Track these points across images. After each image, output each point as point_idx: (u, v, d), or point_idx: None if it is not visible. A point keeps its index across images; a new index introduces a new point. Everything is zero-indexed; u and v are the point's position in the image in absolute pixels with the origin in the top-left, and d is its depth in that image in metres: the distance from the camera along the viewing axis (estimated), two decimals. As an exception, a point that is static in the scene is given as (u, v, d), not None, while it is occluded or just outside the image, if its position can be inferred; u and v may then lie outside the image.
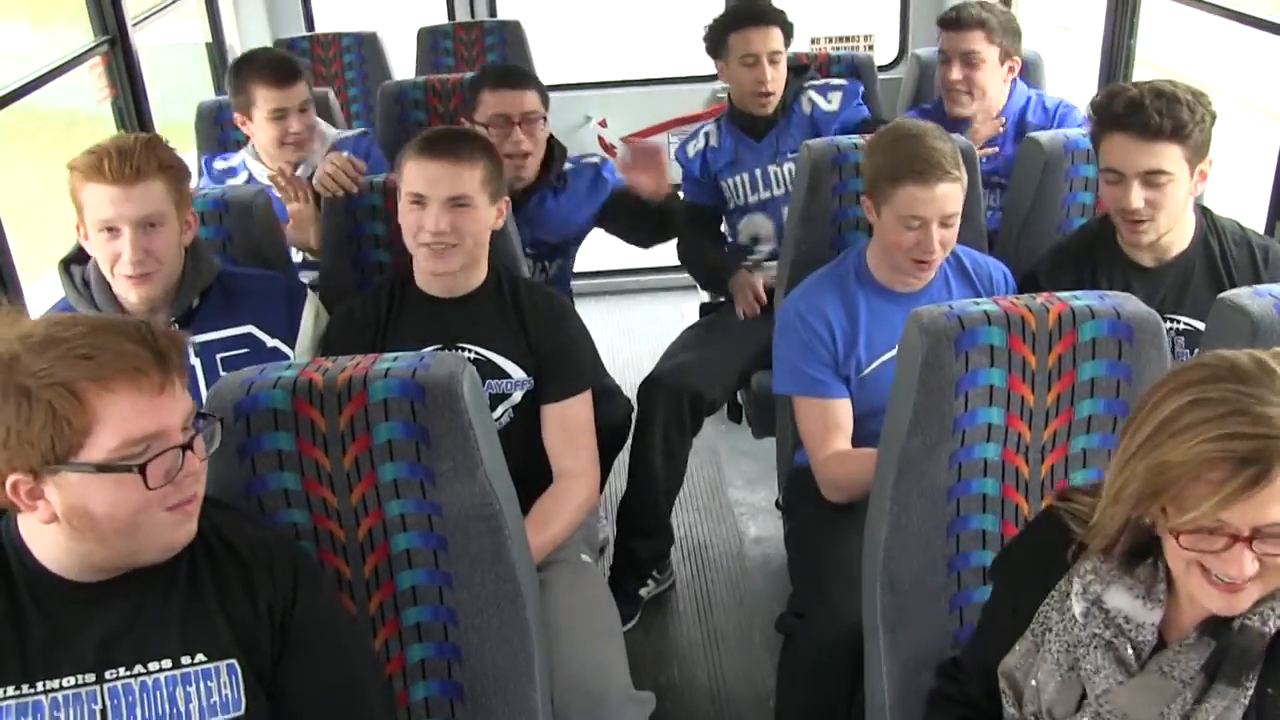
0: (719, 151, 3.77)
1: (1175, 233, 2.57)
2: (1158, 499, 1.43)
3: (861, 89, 3.77)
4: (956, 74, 3.62)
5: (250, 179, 3.53)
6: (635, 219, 3.40)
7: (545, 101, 3.39)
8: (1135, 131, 2.45)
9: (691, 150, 3.82)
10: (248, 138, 3.57)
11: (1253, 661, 1.49)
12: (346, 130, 3.76)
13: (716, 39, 3.70)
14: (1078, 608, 1.60)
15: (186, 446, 1.58)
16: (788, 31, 3.68)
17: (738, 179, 3.74)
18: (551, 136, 3.46)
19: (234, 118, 3.55)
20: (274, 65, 3.50)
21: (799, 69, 3.83)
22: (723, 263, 3.82)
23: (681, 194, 3.78)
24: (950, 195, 2.53)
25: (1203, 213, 2.65)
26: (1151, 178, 2.46)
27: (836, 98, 3.70)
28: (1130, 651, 1.56)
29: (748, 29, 3.63)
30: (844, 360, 2.67)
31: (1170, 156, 2.45)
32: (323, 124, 3.65)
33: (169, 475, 1.56)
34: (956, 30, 3.62)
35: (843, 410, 2.66)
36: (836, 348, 2.66)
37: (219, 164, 3.62)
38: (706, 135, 3.80)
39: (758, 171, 3.70)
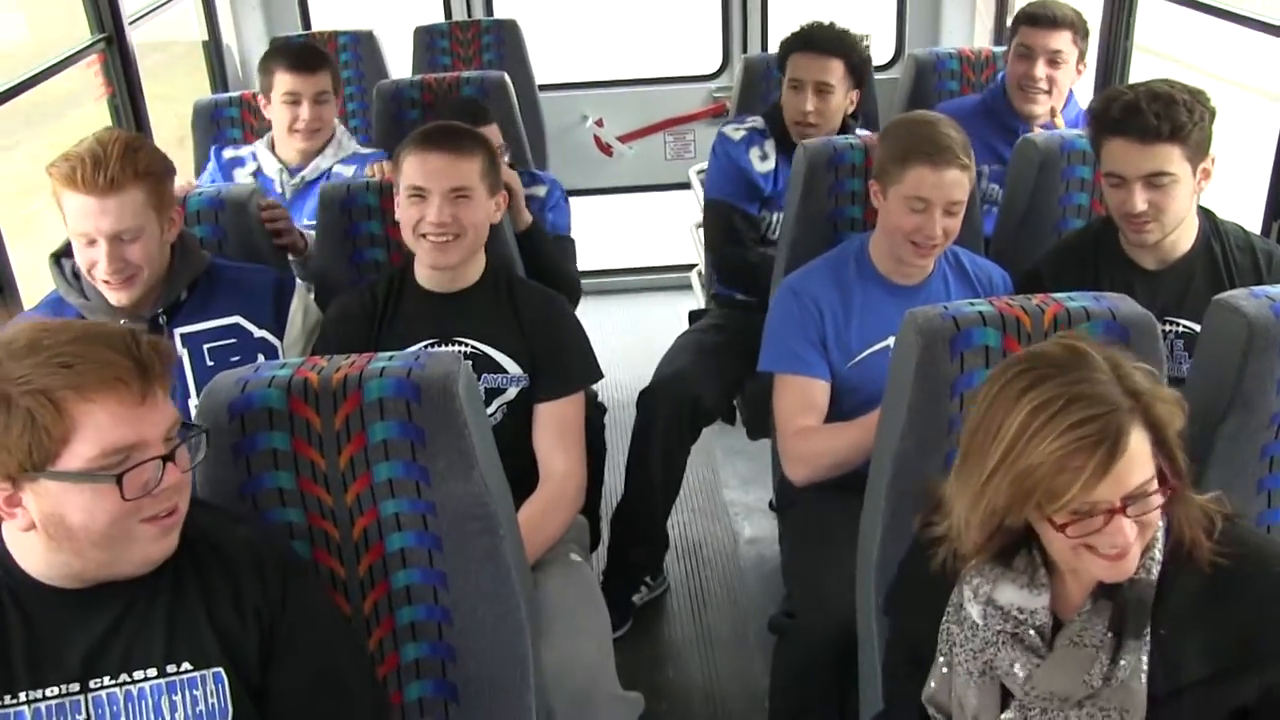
0: (775, 178, 3.57)
1: (1178, 235, 2.56)
2: (1028, 502, 1.52)
3: None
4: (1040, 72, 3.56)
5: (259, 171, 3.55)
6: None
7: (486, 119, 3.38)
8: (1134, 135, 2.44)
9: (759, 164, 3.59)
10: (268, 126, 3.61)
11: (1147, 608, 1.58)
12: (366, 150, 3.70)
13: (782, 56, 3.58)
14: (974, 612, 1.67)
15: (167, 458, 1.56)
16: (854, 66, 3.50)
17: (777, 216, 3.57)
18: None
19: (259, 101, 3.60)
20: (298, 50, 3.58)
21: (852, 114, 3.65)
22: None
23: (708, 191, 3.69)
24: (958, 183, 2.54)
25: (1205, 215, 2.64)
26: (1154, 180, 2.45)
27: None
28: (1034, 636, 1.64)
29: (804, 53, 3.49)
30: (834, 345, 2.67)
31: (1171, 158, 2.44)
32: (345, 134, 3.65)
33: (147, 487, 1.54)
34: (1050, 29, 3.55)
35: (819, 391, 2.67)
36: (825, 328, 2.67)
37: (228, 153, 3.65)
38: (771, 153, 3.58)
39: None
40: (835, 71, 3.47)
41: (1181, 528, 1.60)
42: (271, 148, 3.58)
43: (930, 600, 1.74)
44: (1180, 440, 1.57)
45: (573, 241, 3.64)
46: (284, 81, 3.47)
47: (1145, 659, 1.58)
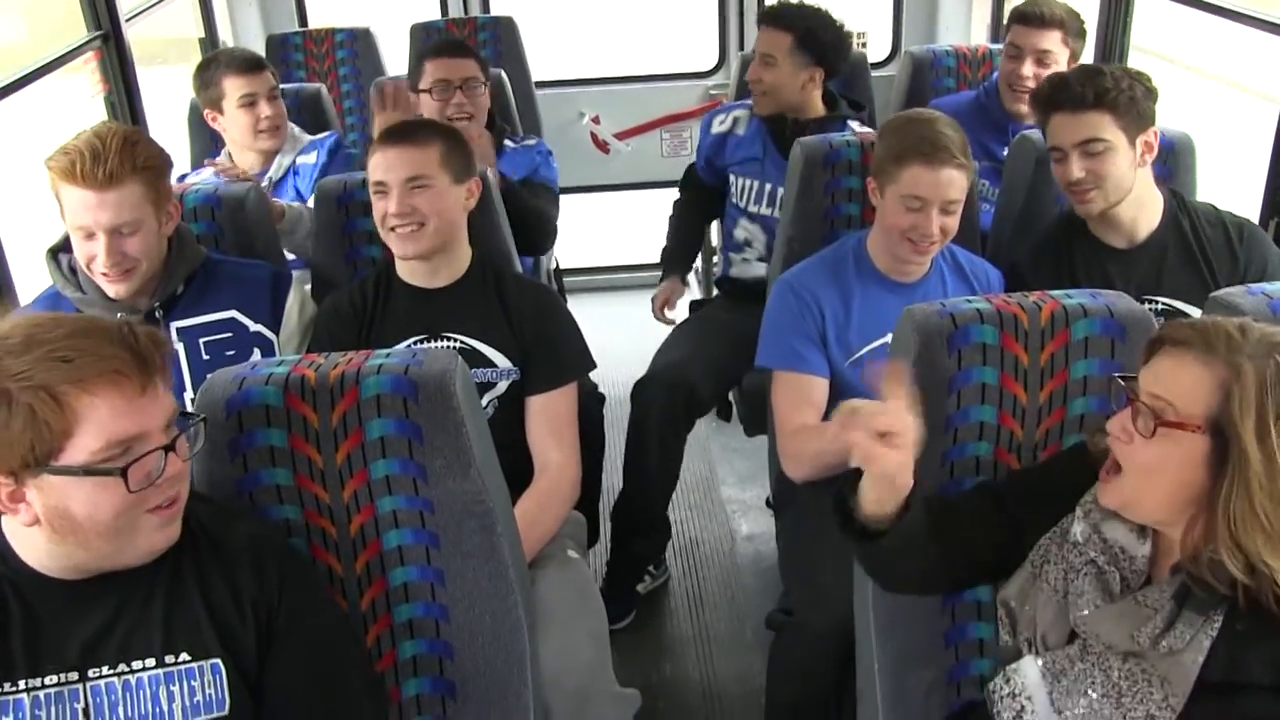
0: (740, 142, 3.69)
1: (1143, 212, 2.64)
2: None
3: None
4: (1028, 71, 3.58)
5: None
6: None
7: (485, 73, 3.52)
8: (1066, 107, 2.58)
9: (716, 126, 3.75)
10: (218, 146, 3.63)
11: (1218, 596, 1.58)
12: (320, 135, 3.73)
13: None
14: (1079, 529, 1.71)
15: (169, 448, 1.58)
16: (803, 41, 3.53)
17: (747, 182, 3.68)
18: (493, 113, 3.57)
19: (205, 116, 3.59)
20: (240, 55, 3.61)
21: (856, 104, 3.76)
22: (677, 252, 3.94)
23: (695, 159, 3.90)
24: (954, 181, 2.55)
25: (1171, 194, 2.70)
26: (1087, 147, 2.56)
27: None
28: (1118, 581, 1.67)
29: (760, 26, 3.64)
30: (834, 342, 2.67)
31: (1102, 124, 2.55)
32: (295, 127, 3.68)
33: (150, 477, 1.55)
34: (1038, 27, 3.58)
35: (818, 388, 2.67)
36: (825, 326, 2.67)
37: (189, 180, 3.58)
38: (735, 120, 3.72)
39: (767, 186, 3.63)
40: (779, 44, 3.55)
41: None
42: (230, 161, 3.57)
43: (1051, 506, 1.80)
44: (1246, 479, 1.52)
45: (557, 196, 3.72)
46: (236, 85, 3.48)
47: (1207, 642, 1.58)
